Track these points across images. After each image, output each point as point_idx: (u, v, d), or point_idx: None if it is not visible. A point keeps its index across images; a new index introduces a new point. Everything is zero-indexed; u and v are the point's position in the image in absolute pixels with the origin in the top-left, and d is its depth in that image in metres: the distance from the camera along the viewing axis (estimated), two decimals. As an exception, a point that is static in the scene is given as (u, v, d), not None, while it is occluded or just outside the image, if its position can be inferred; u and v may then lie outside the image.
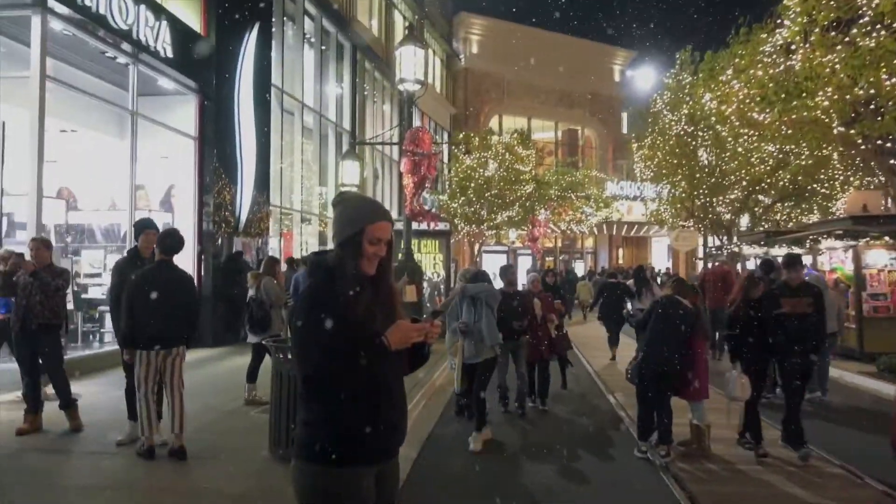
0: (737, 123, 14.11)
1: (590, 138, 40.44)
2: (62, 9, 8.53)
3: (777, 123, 11.81)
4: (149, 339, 5.12)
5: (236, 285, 12.27)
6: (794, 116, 10.90)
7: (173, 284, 5.16)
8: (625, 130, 39.13)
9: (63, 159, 11.22)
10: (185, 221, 12.10)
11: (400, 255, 12.69)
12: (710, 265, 18.54)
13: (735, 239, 19.63)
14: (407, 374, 2.33)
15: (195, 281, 11.91)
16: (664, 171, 20.56)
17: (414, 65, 11.97)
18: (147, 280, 5.10)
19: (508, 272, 7.60)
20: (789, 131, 12.27)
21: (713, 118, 15.55)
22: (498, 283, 7.51)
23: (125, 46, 9.96)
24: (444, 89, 33.07)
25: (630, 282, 12.74)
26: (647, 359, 6.02)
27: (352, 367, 2.01)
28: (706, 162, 19.41)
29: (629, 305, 11.45)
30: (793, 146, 14.02)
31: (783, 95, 10.38)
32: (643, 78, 38.45)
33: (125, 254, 6.19)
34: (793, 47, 10.41)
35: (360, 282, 2.14)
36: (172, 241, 5.24)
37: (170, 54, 10.66)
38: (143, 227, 5.89)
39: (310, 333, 2.04)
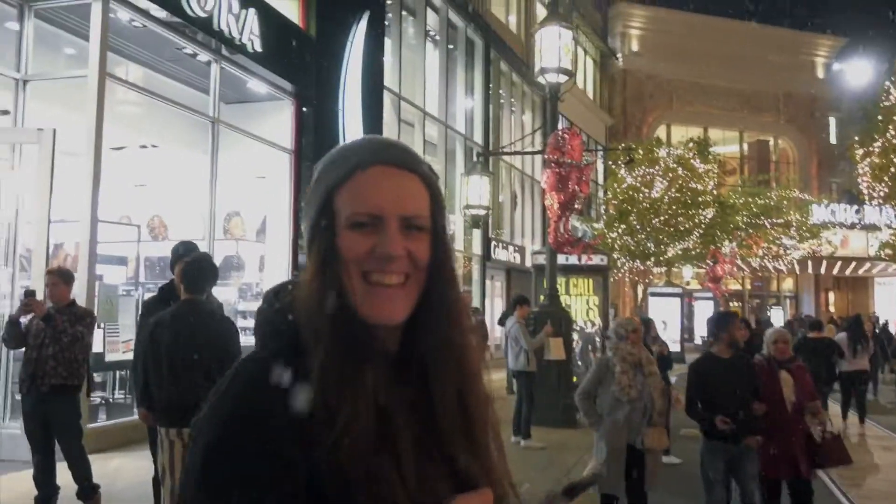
0: None
1: (786, 151, 37.68)
2: (127, -7, 8.18)
3: None
4: (170, 412, 4.08)
5: None
6: None
7: (204, 333, 4.10)
8: (833, 140, 35.55)
9: (152, 182, 11.06)
10: (279, 253, 11.63)
11: (542, 298, 11.31)
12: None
13: None
14: None
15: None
16: (903, 187, 17.72)
17: (559, 49, 10.80)
18: (166, 328, 4.11)
19: (728, 326, 5.11)
20: None
21: None
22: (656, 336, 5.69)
23: (204, 38, 9.55)
24: (597, 95, 31.89)
25: (840, 336, 11.53)
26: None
27: None
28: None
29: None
30: None
31: None
32: (858, 71, 34.74)
33: (157, 290, 5.28)
34: None
35: (362, 352, 0.99)
36: (198, 271, 4.18)
37: (259, 48, 10.18)
38: (181, 254, 4.93)
39: None
